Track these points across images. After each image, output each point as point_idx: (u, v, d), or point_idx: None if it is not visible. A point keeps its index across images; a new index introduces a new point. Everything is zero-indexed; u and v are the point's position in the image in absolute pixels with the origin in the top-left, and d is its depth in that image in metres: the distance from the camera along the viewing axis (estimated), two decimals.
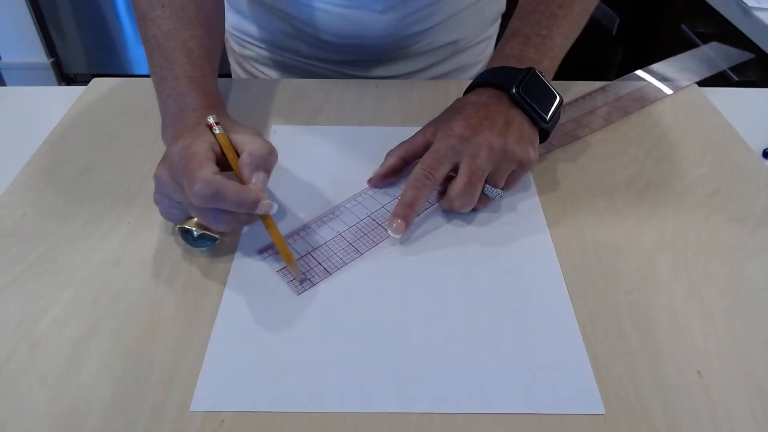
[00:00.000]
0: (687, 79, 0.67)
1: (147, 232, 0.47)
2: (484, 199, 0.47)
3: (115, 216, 0.48)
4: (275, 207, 0.41)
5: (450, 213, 0.49)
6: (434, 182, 0.46)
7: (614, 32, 1.53)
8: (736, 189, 0.52)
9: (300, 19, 0.68)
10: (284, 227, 0.47)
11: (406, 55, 0.72)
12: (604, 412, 0.35)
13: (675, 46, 1.34)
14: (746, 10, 1.07)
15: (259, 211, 0.40)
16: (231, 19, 0.76)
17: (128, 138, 0.57)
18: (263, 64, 0.76)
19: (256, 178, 0.41)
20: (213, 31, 0.55)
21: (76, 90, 0.65)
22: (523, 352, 0.38)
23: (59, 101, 0.64)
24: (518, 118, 0.48)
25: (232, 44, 0.79)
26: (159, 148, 0.56)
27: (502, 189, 0.48)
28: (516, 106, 0.48)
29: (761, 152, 0.58)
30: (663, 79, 0.67)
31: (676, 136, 0.59)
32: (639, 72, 0.68)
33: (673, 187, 0.52)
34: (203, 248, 0.45)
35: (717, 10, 1.18)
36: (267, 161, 0.43)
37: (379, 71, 0.73)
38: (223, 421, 0.35)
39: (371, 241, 0.46)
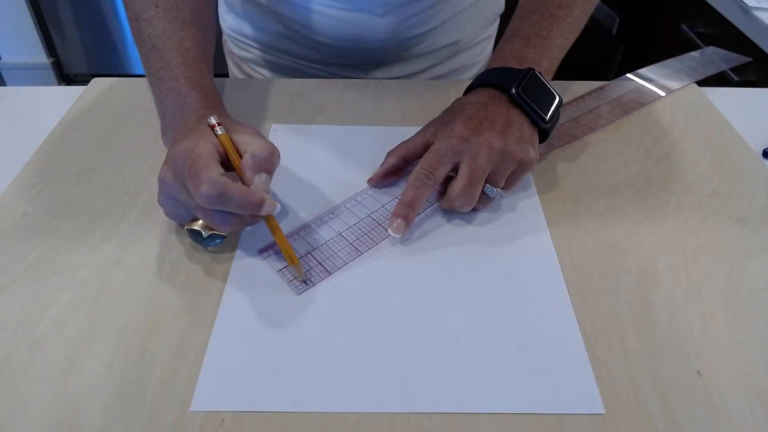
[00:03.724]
0: (680, 82, 0.67)
1: (147, 232, 0.47)
2: (484, 199, 0.48)
3: (115, 216, 0.48)
4: (278, 207, 0.41)
5: (450, 213, 0.49)
6: (434, 182, 0.46)
7: (614, 32, 1.53)
8: (736, 189, 0.52)
9: (299, 22, 0.68)
10: (284, 227, 0.47)
11: (405, 57, 0.72)
12: (604, 412, 0.35)
13: (675, 46, 1.34)
14: (746, 10, 1.07)
15: (264, 212, 0.40)
16: (229, 21, 0.76)
17: (128, 138, 0.57)
18: (261, 66, 0.76)
19: (258, 179, 0.41)
20: (207, 31, 0.55)
21: (76, 90, 0.65)
22: (523, 352, 0.38)
23: (59, 101, 0.64)
24: (518, 119, 0.48)
25: (230, 46, 0.79)
26: (159, 148, 0.56)
27: (502, 189, 0.48)
28: (516, 106, 0.48)
29: (761, 152, 0.58)
30: (653, 81, 0.67)
31: (676, 136, 0.59)
32: (630, 75, 0.68)
33: (672, 187, 0.52)
34: (212, 246, 0.45)
35: (717, 10, 1.18)
36: (269, 162, 0.43)
37: (379, 74, 0.73)
38: (223, 421, 0.35)
39: (371, 241, 0.46)
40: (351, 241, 0.46)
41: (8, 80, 2.33)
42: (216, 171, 0.39)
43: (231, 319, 0.40)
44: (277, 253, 0.45)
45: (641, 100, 0.63)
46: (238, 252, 0.45)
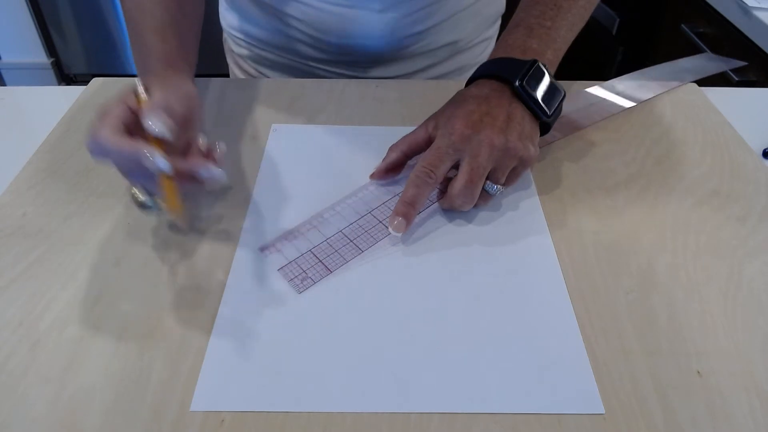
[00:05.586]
0: (669, 86, 0.66)
1: (147, 232, 0.47)
2: (485, 196, 0.47)
3: (115, 216, 0.48)
4: (160, 161, 0.39)
5: (450, 212, 0.49)
6: (435, 181, 0.46)
7: (614, 32, 1.53)
8: (736, 189, 0.52)
9: (298, 19, 0.68)
10: (284, 225, 0.48)
11: (404, 55, 0.72)
12: (604, 412, 0.35)
13: (675, 46, 1.34)
14: (746, 10, 1.07)
15: (149, 166, 0.39)
16: (229, 18, 0.76)
17: None
18: (261, 64, 0.76)
19: (147, 123, 0.41)
20: (186, 6, 0.55)
21: (76, 90, 0.65)
22: (523, 352, 0.38)
23: (59, 101, 0.64)
24: (520, 112, 0.47)
25: (230, 44, 0.79)
26: None
27: (503, 185, 0.47)
28: (518, 99, 0.48)
29: (761, 152, 0.58)
30: (621, 94, 0.66)
31: (676, 136, 0.59)
32: (593, 90, 0.65)
33: (673, 186, 0.52)
34: (148, 212, 0.45)
35: (717, 10, 1.18)
36: (170, 109, 0.42)
37: (378, 72, 0.73)
38: (223, 421, 0.35)
39: (372, 239, 0.46)
40: (352, 239, 0.46)
41: (8, 80, 2.33)
42: (109, 127, 0.40)
43: (231, 319, 0.40)
44: (279, 251, 0.45)
45: (641, 95, 0.63)
46: (238, 252, 0.45)
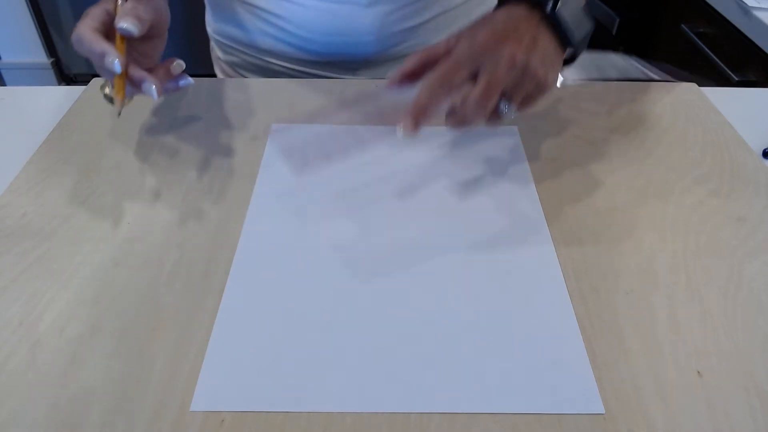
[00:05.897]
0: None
1: (147, 232, 0.47)
2: (495, 115, 0.45)
3: (115, 216, 0.48)
4: (116, 63, 0.46)
5: (451, 211, 0.49)
6: (449, 88, 0.44)
7: (614, 32, 1.52)
8: (736, 189, 0.52)
9: (283, 17, 0.67)
10: (285, 225, 0.47)
11: (393, 56, 0.71)
12: (604, 412, 0.35)
13: (675, 46, 1.34)
14: (746, 10, 1.07)
15: (107, 65, 0.46)
16: (215, 24, 0.75)
17: (128, 138, 0.57)
18: (249, 70, 0.76)
19: (118, 24, 0.47)
20: None
21: (76, 90, 0.65)
22: (523, 352, 0.38)
23: (59, 101, 0.64)
24: (547, 38, 0.45)
25: (216, 52, 0.79)
26: (160, 148, 0.56)
27: (516, 108, 0.46)
28: (547, 26, 0.45)
29: (761, 152, 0.58)
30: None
31: (676, 136, 0.59)
32: None
33: (672, 187, 0.52)
34: (110, 103, 0.52)
35: (717, 10, 1.18)
36: (138, 15, 0.48)
37: (367, 75, 0.72)
38: (223, 421, 0.35)
39: (375, 132, 0.50)
40: (355, 131, 0.50)
41: (8, 80, 2.33)
42: (88, 26, 0.47)
43: (231, 319, 0.40)
44: (288, 130, 0.50)
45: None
46: (237, 252, 0.45)
